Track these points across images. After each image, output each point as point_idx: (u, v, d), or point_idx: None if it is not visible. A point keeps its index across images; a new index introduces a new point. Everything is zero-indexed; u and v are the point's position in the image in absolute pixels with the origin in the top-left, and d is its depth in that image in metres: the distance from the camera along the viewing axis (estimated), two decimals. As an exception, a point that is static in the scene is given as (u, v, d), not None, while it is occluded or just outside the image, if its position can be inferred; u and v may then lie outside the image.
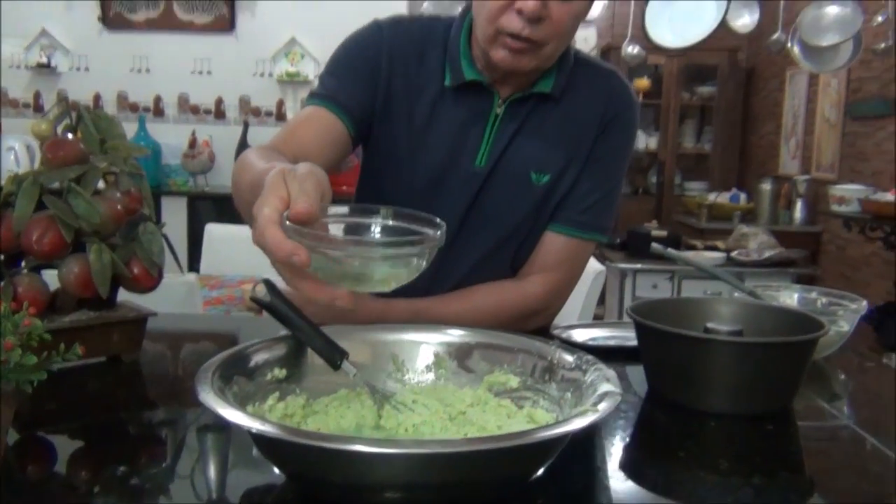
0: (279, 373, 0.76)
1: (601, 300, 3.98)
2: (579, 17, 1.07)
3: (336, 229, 0.73)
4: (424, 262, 0.69)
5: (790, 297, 1.17)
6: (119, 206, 0.98)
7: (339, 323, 0.88)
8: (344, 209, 0.74)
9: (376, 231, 0.73)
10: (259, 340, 0.78)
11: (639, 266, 3.93)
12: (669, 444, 0.84)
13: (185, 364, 1.12)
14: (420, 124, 1.16)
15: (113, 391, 0.98)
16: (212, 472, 0.73)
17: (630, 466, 0.77)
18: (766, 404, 0.88)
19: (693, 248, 4.23)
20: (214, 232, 2.90)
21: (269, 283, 0.79)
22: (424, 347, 0.84)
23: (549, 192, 1.18)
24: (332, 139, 1.11)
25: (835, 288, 3.88)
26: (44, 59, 4.34)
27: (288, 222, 0.64)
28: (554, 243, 1.21)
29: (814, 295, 1.17)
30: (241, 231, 3.10)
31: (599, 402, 0.65)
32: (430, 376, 0.83)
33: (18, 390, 0.64)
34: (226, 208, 3.99)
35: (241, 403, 0.67)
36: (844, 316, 1.09)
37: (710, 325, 0.94)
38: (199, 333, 1.35)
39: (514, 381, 0.80)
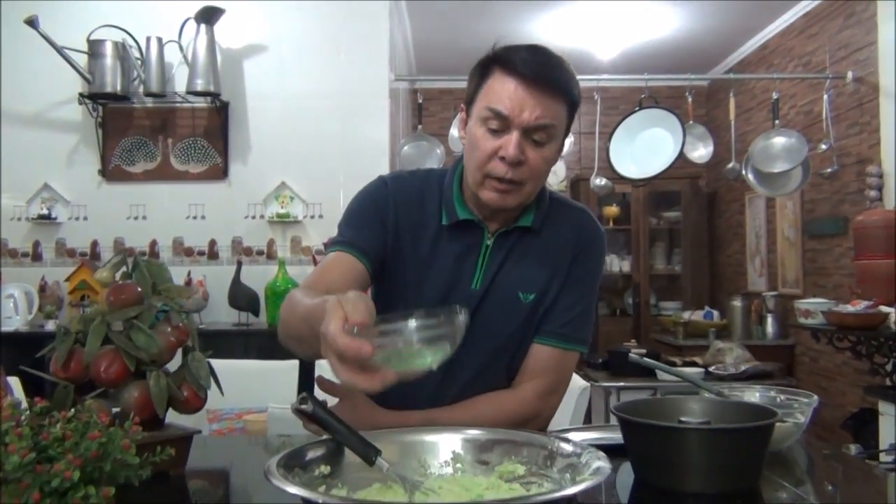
0: (324, 469, 0.91)
1: (587, 419, 4.09)
2: (550, 161, 1.31)
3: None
4: (456, 342, 0.88)
5: (753, 396, 1.33)
6: (172, 338, 1.14)
7: (365, 429, 1.03)
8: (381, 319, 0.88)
9: (412, 325, 0.86)
10: (308, 443, 0.93)
11: (621, 384, 4.07)
12: (655, 519, 0.98)
13: (223, 479, 1.25)
14: (423, 257, 1.36)
15: (166, 499, 1.10)
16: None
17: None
18: (735, 483, 1.03)
19: (673, 364, 4.39)
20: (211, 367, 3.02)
21: (311, 397, 0.95)
22: (444, 446, 0.99)
23: (534, 308, 1.37)
24: (354, 277, 1.30)
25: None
26: (44, 211, 4.55)
27: (355, 329, 0.82)
28: (541, 354, 1.39)
29: (772, 393, 1.33)
30: (237, 365, 3.22)
31: (595, 473, 0.80)
32: (449, 469, 0.98)
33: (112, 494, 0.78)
34: (219, 344, 4.11)
35: (300, 491, 0.81)
36: (800, 409, 1.25)
37: (683, 418, 1.10)
38: (225, 453, 1.48)
39: (521, 469, 0.95)
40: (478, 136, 1.28)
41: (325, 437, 0.95)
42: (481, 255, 1.37)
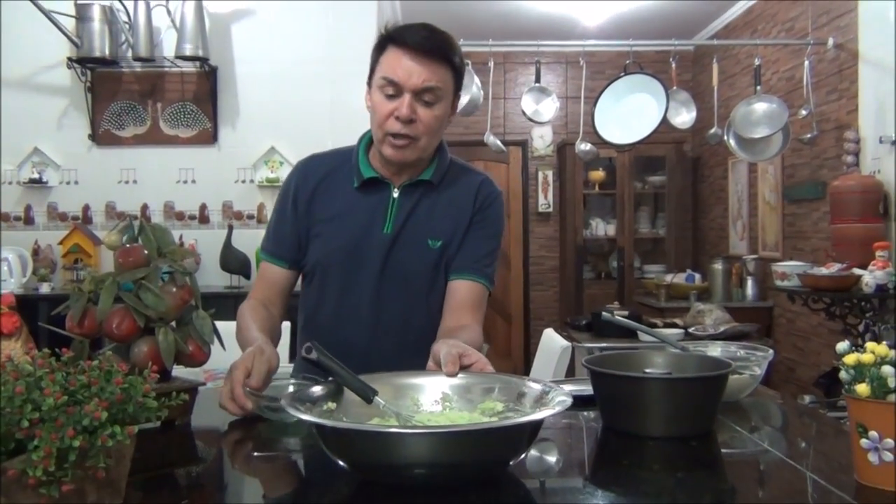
0: (330, 405, 1.06)
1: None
2: (440, 119, 1.50)
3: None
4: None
5: (714, 351, 1.44)
6: (177, 298, 1.23)
7: None
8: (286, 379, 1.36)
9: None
10: (314, 382, 1.09)
11: (604, 344, 4.19)
12: (617, 456, 1.10)
13: (224, 427, 1.35)
14: (337, 216, 1.57)
15: (174, 446, 1.21)
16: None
17: (591, 471, 1.05)
18: (691, 428, 1.14)
19: (654, 325, 4.52)
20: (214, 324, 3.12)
21: (315, 346, 1.05)
22: (434, 387, 1.15)
23: (442, 253, 1.57)
24: (279, 283, 1.62)
25: (790, 357, 4.27)
26: (35, 175, 4.59)
27: (247, 389, 1.21)
28: (463, 287, 1.57)
29: (733, 348, 1.45)
30: (230, 327, 3.32)
31: (558, 405, 0.96)
32: (439, 407, 1.13)
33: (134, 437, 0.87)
34: (212, 307, 4.20)
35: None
36: (756, 362, 1.36)
37: (647, 370, 1.21)
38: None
39: (499, 406, 1.09)
40: (377, 102, 1.49)
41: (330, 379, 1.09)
42: (390, 206, 1.57)
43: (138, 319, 1.18)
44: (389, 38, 1.48)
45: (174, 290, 1.24)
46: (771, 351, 1.38)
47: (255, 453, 1.19)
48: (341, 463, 0.94)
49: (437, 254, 1.57)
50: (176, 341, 1.20)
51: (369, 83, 1.53)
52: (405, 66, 1.44)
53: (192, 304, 1.28)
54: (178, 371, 1.34)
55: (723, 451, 1.16)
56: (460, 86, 1.55)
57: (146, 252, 1.25)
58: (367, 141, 1.59)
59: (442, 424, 1.04)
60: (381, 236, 1.55)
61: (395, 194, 1.56)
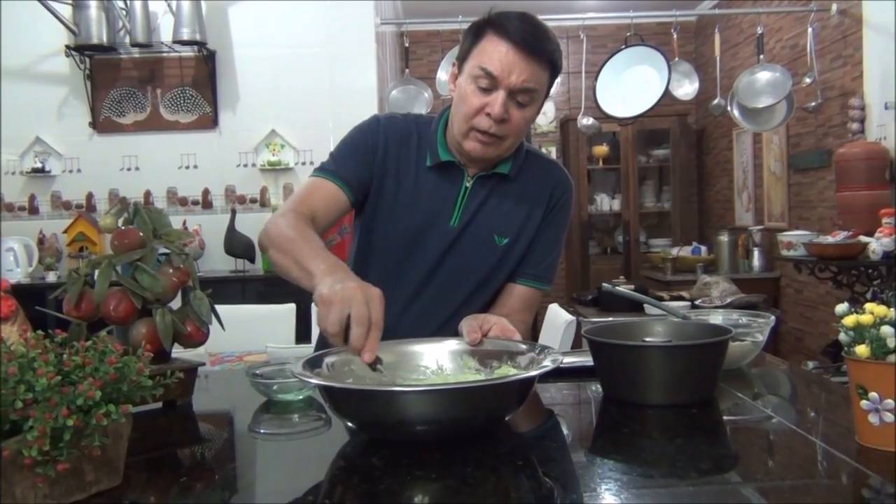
0: (352, 367, 1.11)
1: (578, 354, 4.20)
2: (529, 121, 1.43)
3: None
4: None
5: (716, 318, 1.43)
6: (174, 279, 1.23)
7: None
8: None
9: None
10: (338, 349, 1.12)
11: (610, 319, 4.17)
12: (617, 425, 1.10)
13: (226, 408, 1.35)
14: (406, 193, 1.47)
15: (175, 426, 1.21)
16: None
17: (590, 439, 1.06)
18: (691, 395, 1.14)
19: (661, 299, 4.51)
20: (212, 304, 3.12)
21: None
22: (455, 353, 1.23)
23: (507, 251, 1.50)
24: (335, 204, 1.45)
25: (797, 327, 4.25)
26: (38, 165, 4.59)
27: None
28: (523, 293, 1.54)
29: (734, 316, 1.44)
30: (236, 310, 3.32)
31: (547, 364, 1.04)
32: (460, 371, 1.20)
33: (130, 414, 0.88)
34: (217, 291, 4.21)
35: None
36: (758, 328, 1.35)
37: (647, 339, 1.20)
38: (226, 385, 1.58)
39: (511, 371, 1.14)
40: (467, 92, 1.38)
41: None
42: (460, 196, 1.48)
43: (135, 301, 1.18)
44: (490, 24, 1.37)
45: (170, 271, 1.24)
46: (773, 317, 1.38)
47: (258, 431, 1.19)
48: (349, 423, 1.02)
49: (501, 251, 1.48)
50: (174, 322, 1.20)
51: (460, 67, 1.42)
52: (506, 61, 1.33)
53: (190, 285, 1.28)
54: (181, 353, 1.34)
55: (724, 417, 1.16)
56: (551, 87, 1.44)
57: (141, 234, 1.24)
58: (446, 119, 1.49)
59: (436, 383, 1.12)
60: (448, 230, 1.46)
61: (468, 184, 1.47)
